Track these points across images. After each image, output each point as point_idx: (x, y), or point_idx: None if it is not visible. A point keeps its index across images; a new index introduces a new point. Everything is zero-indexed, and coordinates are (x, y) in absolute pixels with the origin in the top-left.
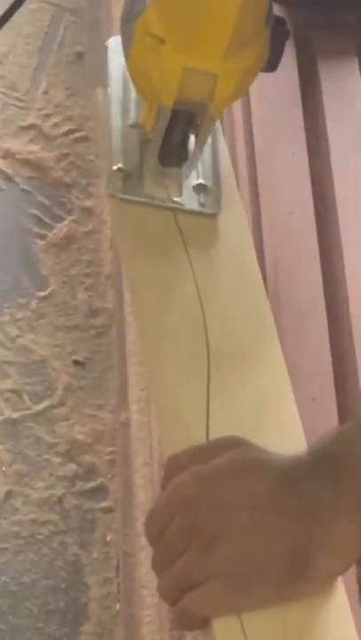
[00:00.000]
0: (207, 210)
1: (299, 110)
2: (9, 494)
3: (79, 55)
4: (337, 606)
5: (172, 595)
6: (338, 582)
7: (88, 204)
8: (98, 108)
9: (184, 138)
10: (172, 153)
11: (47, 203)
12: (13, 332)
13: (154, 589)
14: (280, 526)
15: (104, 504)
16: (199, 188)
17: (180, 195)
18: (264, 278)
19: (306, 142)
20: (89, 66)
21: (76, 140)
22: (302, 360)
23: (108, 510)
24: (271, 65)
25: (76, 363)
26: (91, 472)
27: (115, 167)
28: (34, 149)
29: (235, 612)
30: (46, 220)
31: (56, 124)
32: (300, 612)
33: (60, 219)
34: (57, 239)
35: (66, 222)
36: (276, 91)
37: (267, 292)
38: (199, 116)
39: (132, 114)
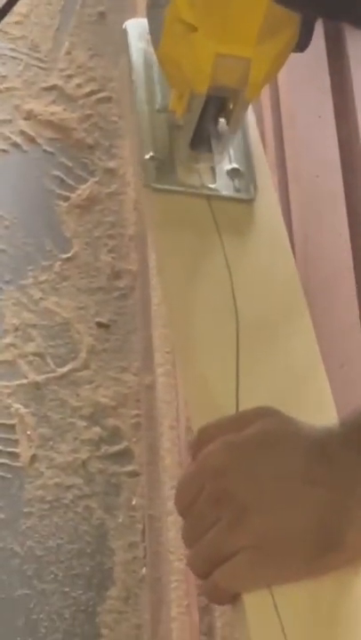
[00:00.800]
0: (243, 195)
1: (325, 73)
2: (34, 458)
3: (102, 15)
4: None
5: (203, 568)
6: None
7: (111, 165)
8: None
9: (215, 123)
10: (205, 139)
11: (70, 164)
12: (37, 294)
13: (181, 554)
14: (310, 498)
15: (129, 468)
16: (233, 173)
17: (214, 181)
18: (292, 243)
19: (333, 104)
20: (111, 26)
21: (99, 101)
22: (331, 327)
23: (134, 474)
24: (301, 46)
25: (100, 325)
26: (115, 435)
27: (147, 156)
28: (56, 110)
29: (265, 586)
30: (69, 181)
31: (79, 85)
32: (331, 587)
33: (83, 180)
34: (80, 200)
35: (89, 184)
36: (302, 54)
37: (295, 257)
38: (231, 100)
39: (158, 99)
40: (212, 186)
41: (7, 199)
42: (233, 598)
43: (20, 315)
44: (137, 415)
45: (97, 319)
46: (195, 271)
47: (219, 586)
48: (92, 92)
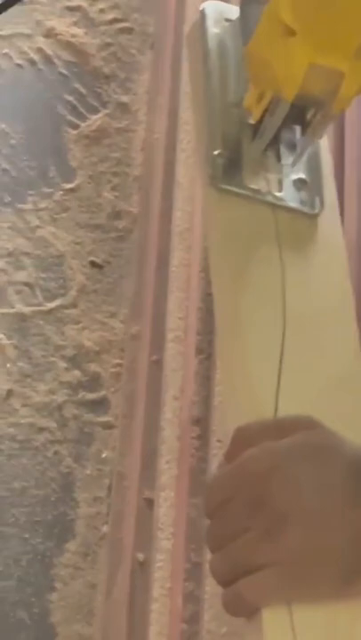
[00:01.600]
0: (308, 209)
1: None
2: (10, 393)
3: None
4: None
5: (226, 575)
6: None
7: (125, 99)
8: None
9: (293, 131)
10: (278, 145)
11: (83, 91)
12: (34, 221)
13: (170, 533)
14: (348, 520)
15: (104, 418)
16: (300, 184)
17: (280, 189)
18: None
19: None
20: None
21: (121, 31)
22: None
23: (108, 426)
24: None
25: (94, 264)
26: (95, 382)
27: (216, 152)
28: (77, 32)
29: (288, 603)
30: (80, 109)
31: (102, 10)
32: (351, 614)
33: (95, 110)
34: (89, 131)
35: (100, 115)
36: None
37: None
38: (313, 110)
39: (231, 92)
40: (278, 194)
41: (15, 116)
42: (253, 611)
43: (15, 240)
44: (119, 365)
45: (91, 258)
46: (248, 277)
47: (242, 597)
48: (114, 20)
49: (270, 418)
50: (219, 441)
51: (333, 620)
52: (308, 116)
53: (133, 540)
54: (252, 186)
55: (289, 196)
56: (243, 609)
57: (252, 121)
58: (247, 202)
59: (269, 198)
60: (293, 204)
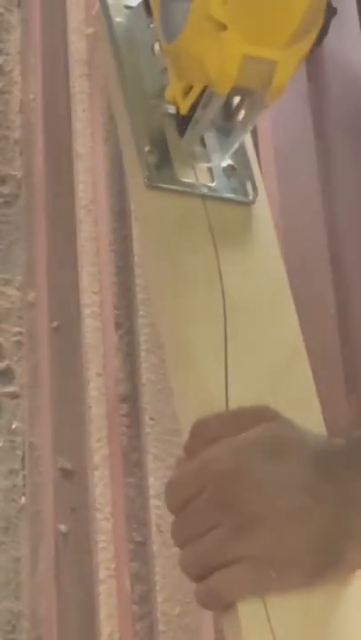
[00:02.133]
0: (241, 197)
1: None
2: None
3: None
4: (357, 597)
5: (198, 570)
6: (357, 573)
7: None
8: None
9: (223, 121)
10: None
11: None
12: None
13: (108, 513)
14: (315, 513)
15: (10, 389)
16: (229, 171)
17: (212, 179)
18: None
19: None
20: None
21: None
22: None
23: (14, 396)
24: (316, 43)
25: None
26: None
27: (146, 148)
28: None
29: (262, 595)
30: None
31: None
32: (322, 599)
33: None
34: None
35: None
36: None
37: None
38: (244, 100)
39: (148, 83)
40: (210, 185)
41: None
42: (228, 605)
43: None
44: (19, 333)
45: None
46: (185, 274)
47: (217, 590)
48: None
49: (223, 409)
50: (152, 419)
51: (308, 606)
52: (235, 101)
53: (53, 512)
54: (185, 179)
55: (221, 185)
56: (217, 603)
57: (174, 112)
58: (180, 196)
59: (203, 190)
60: (226, 193)
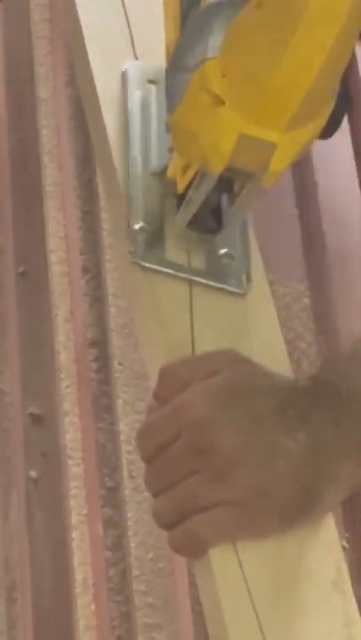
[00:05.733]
0: (232, 287)
1: None
2: None
3: None
4: (328, 542)
5: (172, 517)
6: (327, 518)
7: None
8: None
9: (219, 203)
10: (206, 220)
11: None
12: None
13: (79, 458)
14: (291, 454)
15: None
16: (226, 259)
17: (205, 264)
18: None
19: None
20: None
21: None
22: None
23: None
24: (327, 134)
25: None
26: None
27: (136, 226)
28: None
29: (239, 540)
30: None
31: None
32: (294, 546)
33: None
34: None
35: None
36: None
37: None
38: (241, 182)
39: (153, 160)
40: (200, 269)
41: None
42: (202, 552)
43: None
44: None
45: None
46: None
47: (196, 534)
48: None
49: (190, 354)
50: (120, 364)
51: (280, 552)
52: (236, 187)
53: (24, 458)
54: (174, 260)
55: (213, 271)
56: (195, 548)
57: (176, 192)
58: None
59: (191, 274)
60: (216, 281)
